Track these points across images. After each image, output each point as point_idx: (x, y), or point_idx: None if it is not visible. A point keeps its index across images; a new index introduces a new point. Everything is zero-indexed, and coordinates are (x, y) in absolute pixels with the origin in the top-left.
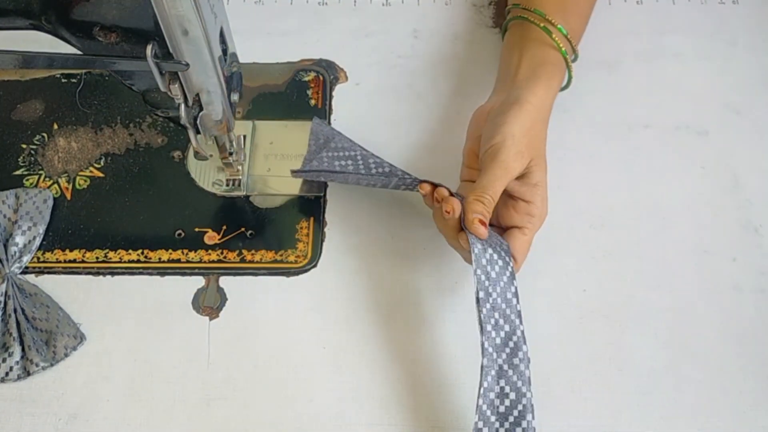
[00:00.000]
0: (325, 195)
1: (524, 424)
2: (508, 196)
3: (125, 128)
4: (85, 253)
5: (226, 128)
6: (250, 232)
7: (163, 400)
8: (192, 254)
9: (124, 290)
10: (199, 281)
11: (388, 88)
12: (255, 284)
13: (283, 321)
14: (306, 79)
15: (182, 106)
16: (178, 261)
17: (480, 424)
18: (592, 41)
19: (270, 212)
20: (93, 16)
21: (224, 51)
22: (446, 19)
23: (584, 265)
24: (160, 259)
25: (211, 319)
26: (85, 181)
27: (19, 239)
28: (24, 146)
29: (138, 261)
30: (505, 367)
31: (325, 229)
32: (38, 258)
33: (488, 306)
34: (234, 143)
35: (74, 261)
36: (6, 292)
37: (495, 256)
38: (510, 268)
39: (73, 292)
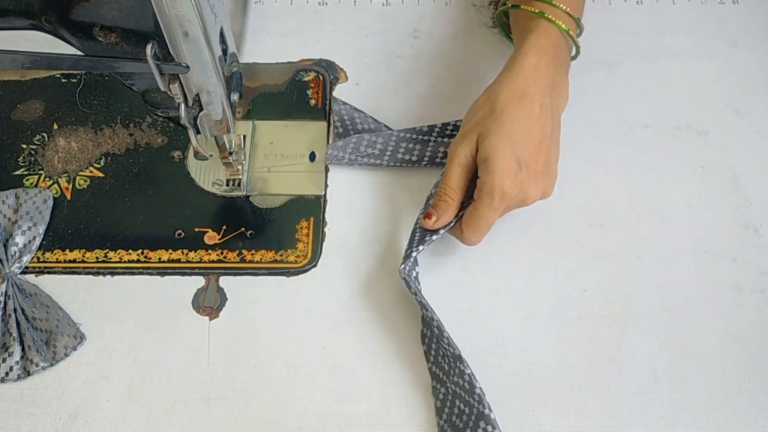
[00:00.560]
0: (325, 195)
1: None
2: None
3: (125, 128)
4: (85, 253)
5: (226, 128)
6: (250, 232)
7: (163, 400)
8: (192, 254)
9: (124, 290)
10: (199, 281)
11: (388, 88)
12: (255, 284)
13: (283, 321)
14: (306, 79)
15: (182, 106)
16: (178, 261)
17: None
18: (592, 41)
19: (270, 212)
20: (93, 16)
21: (224, 51)
22: (446, 19)
23: (584, 265)
24: (160, 259)
25: (211, 319)
26: (85, 181)
27: (19, 239)
28: (24, 146)
29: (138, 261)
30: (456, 389)
31: (325, 229)
32: (38, 258)
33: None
34: (234, 143)
35: (74, 261)
36: (6, 292)
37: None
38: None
39: (73, 292)
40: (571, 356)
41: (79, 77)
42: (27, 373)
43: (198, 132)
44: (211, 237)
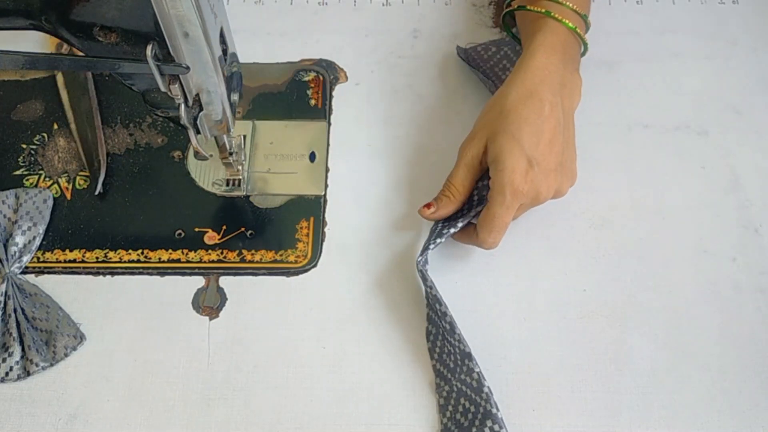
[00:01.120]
0: (325, 195)
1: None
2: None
3: (125, 128)
4: (85, 253)
5: (226, 128)
6: (250, 232)
7: (163, 400)
8: (192, 254)
9: (124, 290)
10: (199, 281)
11: (388, 88)
12: (255, 284)
13: (283, 321)
14: (306, 79)
15: (182, 106)
16: (178, 261)
17: None
18: (592, 41)
19: (270, 212)
20: (93, 16)
21: (224, 51)
22: (446, 19)
23: (584, 265)
24: (160, 259)
25: (211, 319)
26: (85, 181)
27: (19, 239)
28: (24, 146)
29: (138, 261)
30: (461, 385)
31: (325, 229)
32: (38, 258)
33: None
34: (234, 143)
35: (74, 261)
36: (6, 292)
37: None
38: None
39: (73, 292)
40: (571, 356)
41: None
42: (27, 373)
43: (198, 132)
44: (211, 237)
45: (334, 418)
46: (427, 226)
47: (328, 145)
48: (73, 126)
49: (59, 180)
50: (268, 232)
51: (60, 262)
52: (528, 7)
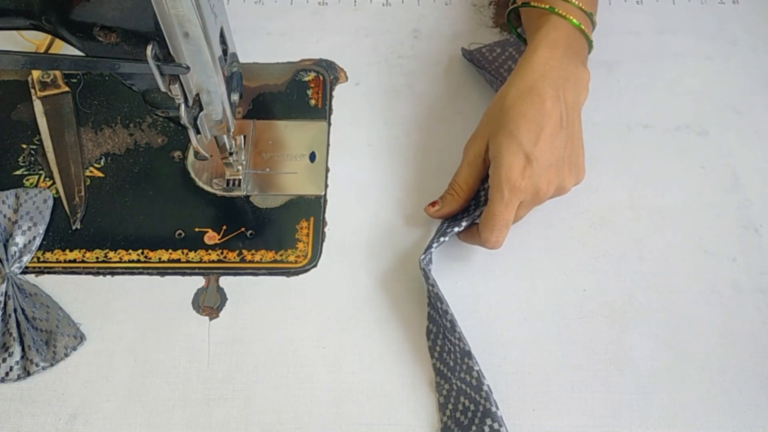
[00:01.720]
0: (325, 195)
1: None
2: None
3: (125, 128)
4: (85, 253)
5: (226, 128)
6: (250, 232)
7: (163, 400)
8: (192, 254)
9: (124, 290)
10: (199, 281)
11: (388, 88)
12: (255, 284)
13: (283, 321)
14: (306, 79)
15: (182, 106)
16: (178, 261)
17: None
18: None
19: (270, 212)
20: (93, 16)
21: (224, 51)
22: (446, 19)
23: (584, 265)
24: (160, 259)
25: (211, 319)
26: (86, 181)
27: (19, 239)
28: (24, 146)
29: (138, 261)
30: (460, 384)
31: (325, 229)
32: (38, 258)
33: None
34: (234, 143)
35: (74, 261)
36: (6, 292)
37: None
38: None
39: (73, 292)
40: (571, 356)
41: (79, 77)
42: (27, 373)
43: (198, 132)
44: (211, 237)
45: (334, 418)
46: (428, 225)
47: (328, 145)
48: (51, 156)
49: None
50: (268, 232)
51: (60, 262)
52: (532, 4)
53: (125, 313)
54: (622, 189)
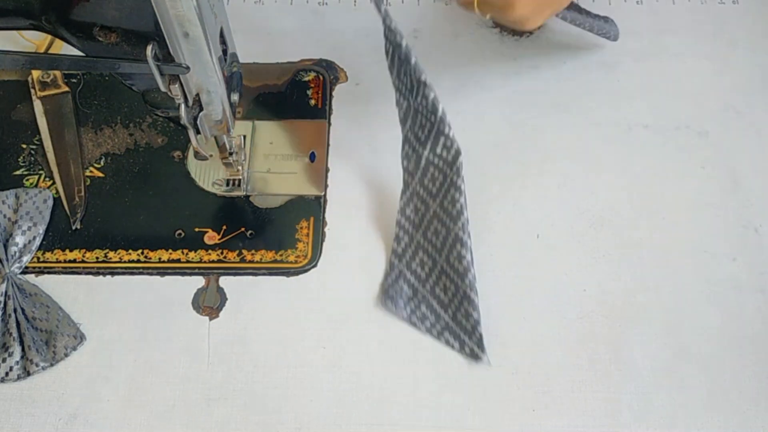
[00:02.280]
0: (325, 195)
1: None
2: None
3: (125, 128)
4: (85, 253)
5: (226, 128)
6: (250, 232)
7: (163, 400)
8: (192, 254)
9: (124, 290)
10: (199, 281)
11: (388, 88)
12: (255, 284)
13: (283, 321)
14: (306, 79)
15: (182, 106)
16: (178, 261)
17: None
18: (592, 41)
19: (270, 212)
20: (93, 16)
21: (224, 51)
22: (446, 19)
23: (584, 265)
24: (160, 259)
25: (211, 319)
26: (86, 181)
27: (19, 239)
28: (24, 146)
29: (138, 261)
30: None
31: (325, 229)
32: (38, 258)
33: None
34: (234, 143)
35: (74, 261)
36: (6, 292)
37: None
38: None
39: (73, 292)
40: (571, 356)
41: (79, 77)
42: (27, 373)
43: (198, 132)
44: (211, 237)
45: (334, 418)
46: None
47: (328, 145)
48: (51, 156)
49: None
50: (268, 232)
51: (60, 262)
52: None
53: (125, 313)
54: (622, 189)
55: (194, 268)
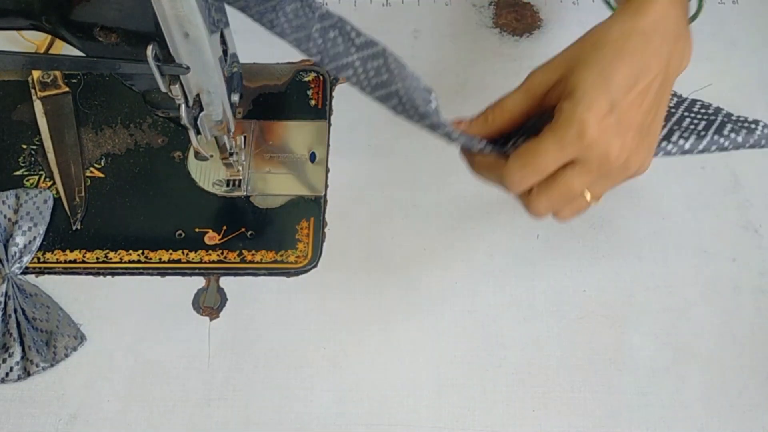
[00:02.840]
0: (325, 195)
1: None
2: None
3: (125, 128)
4: (85, 253)
5: (226, 128)
6: (250, 232)
7: (163, 400)
8: (192, 254)
9: (125, 290)
10: (199, 281)
11: None
12: (255, 284)
13: (283, 321)
14: (306, 79)
15: (182, 107)
16: (179, 261)
17: None
18: None
19: (270, 212)
20: (93, 16)
21: (224, 51)
22: (446, 19)
23: (584, 265)
24: (160, 259)
25: (211, 320)
26: (86, 181)
27: (20, 239)
28: (24, 146)
29: (138, 261)
30: None
31: (325, 229)
32: (38, 258)
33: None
34: (234, 144)
35: (74, 261)
36: (6, 293)
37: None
38: None
39: (73, 293)
40: (571, 356)
41: (79, 77)
42: (27, 374)
43: (198, 132)
44: (211, 237)
45: (334, 418)
46: (424, 227)
47: (328, 145)
48: (51, 157)
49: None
50: (269, 232)
51: (60, 262)
52: None
53: (125, 313)
54: (622, 189)
55: (194, 268)
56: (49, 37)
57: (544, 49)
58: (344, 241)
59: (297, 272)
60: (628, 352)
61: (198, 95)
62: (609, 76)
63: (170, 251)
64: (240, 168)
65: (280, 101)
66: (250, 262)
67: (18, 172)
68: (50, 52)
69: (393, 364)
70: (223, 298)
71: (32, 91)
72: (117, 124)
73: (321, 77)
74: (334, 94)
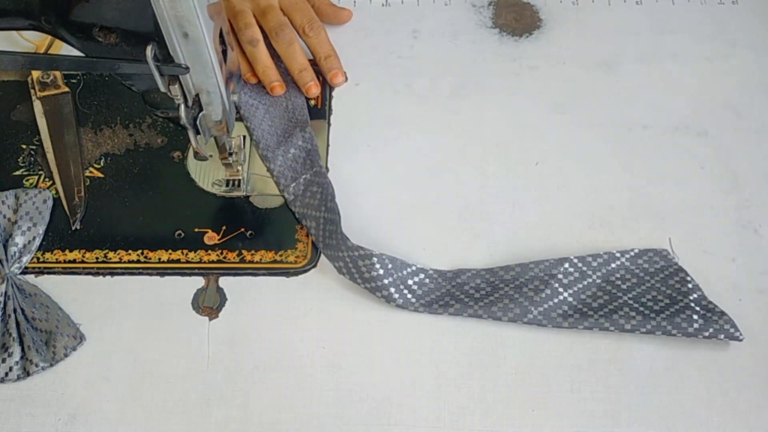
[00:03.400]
0: None
1: None
2: None
3: (125, 128)
4: (84, 253)
5: (225, 129)
6: (249, 232)
7: (163, 400)
8: (192, 254)
9: (124, 290)
10: (198, 281)
11: (388, 88)
12: (255, 284)
13: (283, 321)
14: None
15: (182, 107)
16: (178, 261)
17: None
18: (592, 41)
19: (270, 212)
20: (92, 16)
21: (224, 51)
22: (446, 19)
23: None
24: (159, 259)
25: (210, 320)
26: (85, 181)
27: (19, 239)
28: (24, 146)
29: (138, 261)
30: None
31: None
32: (38, 258)
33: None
34: (234, 144)
35: (74, 261)
36: (6, 293)
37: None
38: None
39: (72, 293)
40: (571, 356)
41: (79, 77)
42: (27, 374)
43: (198, 132)
44: (210, 237)
45: (334, 418)
46: (423, 227)
47: (328, 145)
48: (51, 157)
49: None
50: (268, 232)
51: (60, 262)
52: None
53: (125, 313)
54: (622, 189)
55: (194, 268)
56: (49, 37)
57: (544, 49)
58: None
59: (296, 272)
60: (628, 352)
61: (197, 95)
62: None
63: (170, 251)
64: (239, 168)
65: None
66: (250, 262)
67: (17, 172)
68: (50, 52)
69: (393, 364)
70: (222, 298)
71: (32, 91)
72: (116, 124)
73: (320, 77)
74: (333, 94)
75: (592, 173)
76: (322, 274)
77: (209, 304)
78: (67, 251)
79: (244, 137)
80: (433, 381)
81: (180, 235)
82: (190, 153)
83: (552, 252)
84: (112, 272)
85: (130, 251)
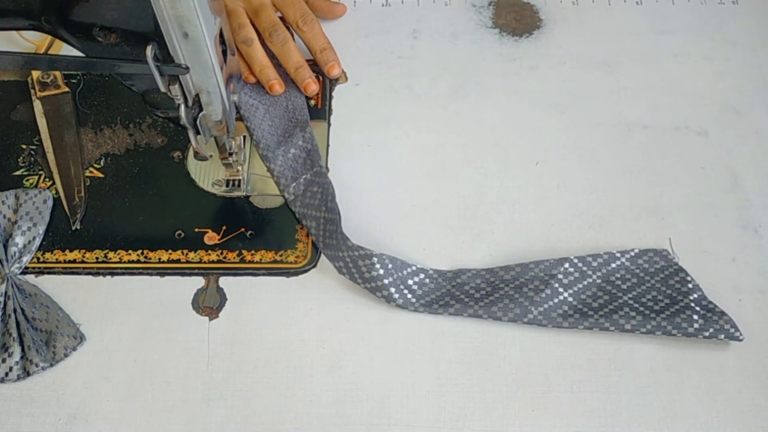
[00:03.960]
0: None
1: None
2: None
3: (125, 129)
4: (84, 253)
5: (225, 129)
6: (249, 232)
7: (163, 400)
8: (192, 254)
9: (124, 290)
10: (198, 281)
11: (388, 88)
12: (255, 284)
13: (283, 321)
14: None
15: (182, 107)
16: (178, 261)
17: None
18: (592, 41)
19: (270, 212)
20: (93, 16)
21: (224, 52)
22: (446, 19)
23: None
24: (159, 259)
25: (210, 320)
26: (85, 181)
27: (19, 239)
28: (24, 146)
29: (138, 261)
30: None
31: None
32: (38, 258)
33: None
34: (234, 144)
35: (74, 261)
36: (6, 293)
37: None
38: None
39: (72, 293)
40: (571, 356)
41: (79, 77)
42: (27, 374)
43: (198, 132)
44: (210, 237)
45: (334, 418)
46: (422, 227)
47: (328, 145)
48: (51, 157)
49: None
50: (268, 232)
51: (60, 262)
52: None
53: (125, 313)
54: (622, 189)
55: (194, 268)
56: (49, 37)
57: (544, 49)
58: None
59: (296, 272)
60: (628, 352)
61: (197, 95)
62: None
63: (170, 251)
64: (239, 168)
65: None
66: (250, 262)
67: (17, 172)
68: (50, 52)
69: (392, 364)
70: (222, 298)
71: (32, 91)
72: (116, 124)
73: (320, 77)
74: (333, 94)
75: (592, 173)
76: (322, 274)
77: (209, 304)
78: (67, 251)
79: (244, 137)
80: (433, 381)
81: (180, 235)
82: (190, 153)
83: (552, 252)
84: (112, 272)
85: (130, 251)
